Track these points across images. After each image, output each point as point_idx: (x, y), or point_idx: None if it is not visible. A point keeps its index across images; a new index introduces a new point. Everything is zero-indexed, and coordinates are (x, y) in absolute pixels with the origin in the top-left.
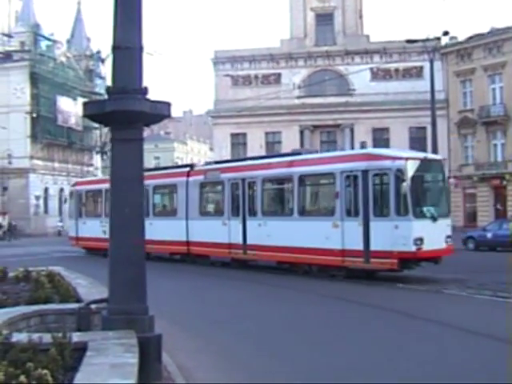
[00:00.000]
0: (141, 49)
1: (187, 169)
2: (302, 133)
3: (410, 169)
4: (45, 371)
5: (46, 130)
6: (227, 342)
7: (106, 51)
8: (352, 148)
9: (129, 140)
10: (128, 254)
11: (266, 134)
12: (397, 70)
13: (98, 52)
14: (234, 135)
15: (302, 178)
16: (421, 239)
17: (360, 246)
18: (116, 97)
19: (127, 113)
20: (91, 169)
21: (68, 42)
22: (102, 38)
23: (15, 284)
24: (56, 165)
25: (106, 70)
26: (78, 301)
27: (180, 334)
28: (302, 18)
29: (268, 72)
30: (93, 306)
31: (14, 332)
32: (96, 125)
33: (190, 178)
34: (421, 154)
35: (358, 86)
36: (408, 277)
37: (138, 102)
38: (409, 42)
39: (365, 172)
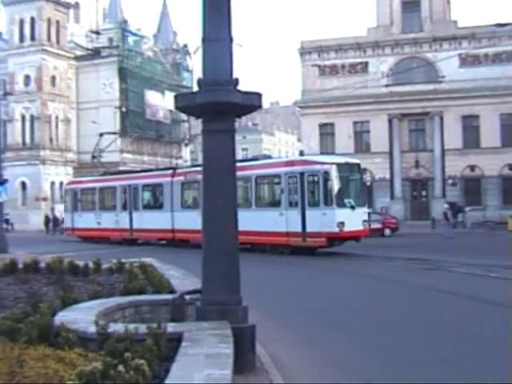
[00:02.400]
0: (230, 40)
1: (171, 171)
2: (390, 121)
3: (334, 171)
4: (142, 361)
5: (135, 123)
6: (319, 332)
7: (193, 45)
8: (442, 136)
9: (220, 131)
10: (221, 245)
11: (354, 123)
12: (486, 56)
13: (185, 46)
14: (322, 125)
15: (258, 178)
16: (342, 223)
17: (299, 229)
18: (207, 88)
19: (219, 104)
20: (180, 161)
21: (155, 36)
22: (188, 31)
23: (109, 275)
24: (145, 158)
25: (193, 63)
26: (172, 292)
27: (271, 324)
28: (388, 6)
29: (355, 61)
30: (186, 297)
31: (109, 322)
32: (184, 117)
33: (174, 179)
34: (342, 160)
35: (447, 73)
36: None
37: (229, 94)
38: (498, 25)
39: (302, 174)
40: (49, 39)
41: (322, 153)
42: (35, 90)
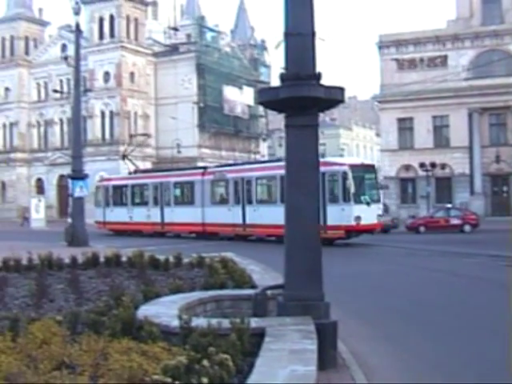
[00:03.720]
0: (313, 34)
1: (202, 170)
2: (470, 116)
3: (351, 171)
4: (226, 356)
5: (212, 119)
6: (399, 329)
7: (270, 40)
8: None
9: (303, 126)
10: (304, 240)
11: (434, 117)
12: None
13: (263, 41)
14: (400, 120)
15: (283, 177)
16: (359, 217)
17: (321, 222)
18: (290, 83)
19: (302, 99)
20: (258, 156)
21: (232, 32)
22: (265, 26)
23: (189, 270)
24: (223, 153)
25: (271, 58)
26: (253, 287)
27: (350, 319)
28: None
29: (434, 54)
30: (268, 292)
31: (192, 317)
32: (262, 112)
33: (204, 177)
34: (359, 161)
35: None
36: None
37: (312, 88)
38: None
39: (323, 174)
40: (128, 36)
41: (400, 148)
42: (114, 86)
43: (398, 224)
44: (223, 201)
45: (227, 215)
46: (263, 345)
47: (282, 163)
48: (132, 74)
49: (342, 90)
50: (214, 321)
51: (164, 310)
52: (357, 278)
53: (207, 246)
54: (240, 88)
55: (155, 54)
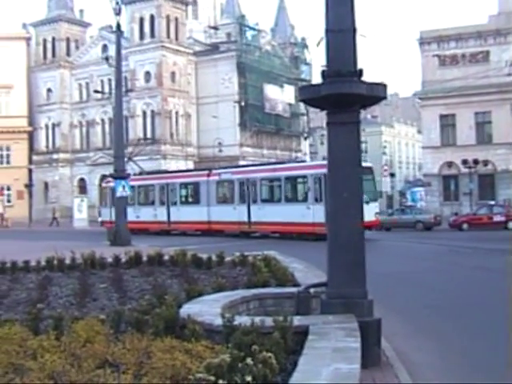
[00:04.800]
0: (354, 31)
1: (207, 171)
2: None
3: None
4: (269, 354)
5: (254, 117)
6: (440, 326)
7: (310, 38)
8: None
9: (345, 123)
10: (347, 237)
11: (476, 114)
12: None
13: (303, 39)
14: (442, 116)
15: (287, 179)
16: None
17: (323, 220)
18: (331, 80)
19: (343, 96)
20: (299, 154)
21: (272, 30)
22: (305, 24)
23: (232, 268)
24: (265, 151)
25: (312, 56)
26: (296, 285)
27: (392, 317)
28: None
29: (476, 50)
30: (311, 290)
31: (235, 315)
32: (303, 110)
33: (210, 178)
34: None
35: None
36: None
37: (354, 85)
38: None
39: (324, 175)
40: (168, 36)
41: (442, 144)
42: (155, 85)
43: (440, 221)
44: (228, 200)
45: (232, 213)
46: (306, 343)
47: (286, 165)
48: (173, 73)
49: (384, 86)
50: (257, 319)
51: (207, 309)
52: (398, 275)
53: (249, 244)
54: (281, 86)
55: (196, 54)
